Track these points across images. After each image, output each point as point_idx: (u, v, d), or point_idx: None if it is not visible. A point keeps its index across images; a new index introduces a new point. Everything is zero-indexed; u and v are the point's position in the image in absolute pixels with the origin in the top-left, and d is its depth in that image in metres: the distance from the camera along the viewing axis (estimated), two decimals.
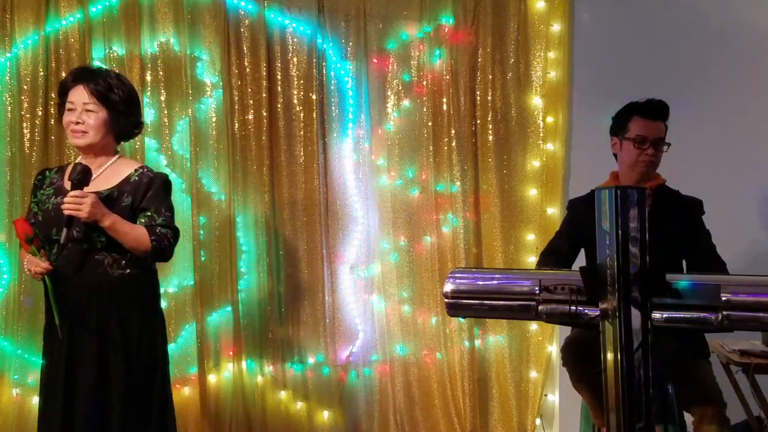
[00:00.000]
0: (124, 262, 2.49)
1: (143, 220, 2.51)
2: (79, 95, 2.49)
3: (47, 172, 2.65)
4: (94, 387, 2.43)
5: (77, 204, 2.35)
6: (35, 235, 2.43)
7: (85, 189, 2.41)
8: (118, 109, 2.52)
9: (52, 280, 2.41)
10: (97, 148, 2.53)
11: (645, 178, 2.83)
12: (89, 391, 2.43)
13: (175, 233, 2.57)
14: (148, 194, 2.52)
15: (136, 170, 2.56)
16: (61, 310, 2.43)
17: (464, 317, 3.35)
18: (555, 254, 2.96)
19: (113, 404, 2.45)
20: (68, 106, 2.50)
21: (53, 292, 2.40)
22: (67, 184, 2.48)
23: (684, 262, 2.80)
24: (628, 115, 2.86)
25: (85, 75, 2.51)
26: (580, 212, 2.96)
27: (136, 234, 2.46)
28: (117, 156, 2.61)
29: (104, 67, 2.57)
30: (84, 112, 2.48)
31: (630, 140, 2.82)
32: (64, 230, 2.37)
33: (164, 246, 2.50)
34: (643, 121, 2.82)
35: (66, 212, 2.36)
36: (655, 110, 2.83)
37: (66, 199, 2.37)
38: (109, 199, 2.46)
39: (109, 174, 2.55)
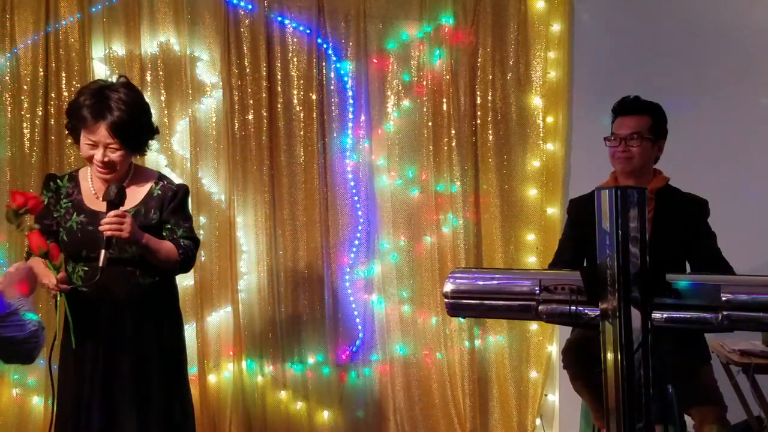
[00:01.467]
0: (151, 270, 2.49)
1: (165, 234, 2.52)
2: (101, 135, 2.38)
3: (59, 180, 2.55)
4: (130, 397, 2.44)
5: (119, 225, 2.30)
6: (48, 250, 2.35)
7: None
8: (138, 140, 2.49)
9: (67, 298, 2.37)
10: (120, 173, 2.50)
11: (631, 174, 2.82)
12: (126, 401, 2.44)
13: (196, 243, 2.58)
14: (169, 207, 2.53)
15: (156, 183, 2.55)
16: (96, 325, 2.43)
17: (464, 317, 3.36)
18: (560, 265, 2.93)
19: (144, 411, 2.46)
20: (88, 141, 2.40)
21: (69, 310, 2.39)
22: (90, 201, 2.47)
23: (687, 264, 2.79)
24: (612, 117, 2.91)
25: (102, 109, 2.38)
26: (581, 212, 2.95)
27: (166, 249, 2.46)
28: (132, 168, 2.57)
29: (109, 84, 2.47)
30: (108, 149, 2.40)
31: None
32: (103, 252, 2.30)
33: (189, 257, 2.54)
34: (618, 119, 2.87)
35: (107, 233, 2.30)
36: (626, 106, 2.86)
37: (105, 221, 2.31)
38: (136, 217, 2.44)
39: (130, 191, 2.51)
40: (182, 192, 2.58)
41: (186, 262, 2.53)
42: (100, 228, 2.31)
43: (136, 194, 2.52)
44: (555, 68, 3.96)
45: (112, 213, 2.32)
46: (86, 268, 2.45)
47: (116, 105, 2.38)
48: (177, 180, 3.58)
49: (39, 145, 3.50)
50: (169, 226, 2.53)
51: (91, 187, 2.51)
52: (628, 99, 2.88)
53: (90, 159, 2.43)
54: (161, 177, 2.61)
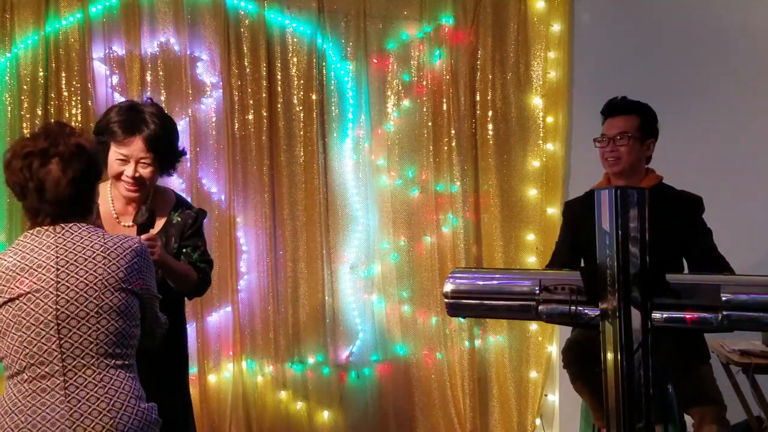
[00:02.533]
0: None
1: (182, 258, 2.51)
2: (136, 149, 2.36)
3: None
4: None
5: (151, 249, 2.25)
6: None
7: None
8: (169, 157, 2.48)
9: None
10: (145, 194, 2.48)
11: (621, 174, 2.82)
12: None
13: (211, 266, 2.59)
14: (188, 233, 2.52)
15: (175, 209, 2.53)
16: None
17: (464, 317, 3.36)
18: (557, 267, 2.93)
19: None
20: (120, 156, 2.38)
21: None
22: (111, 226, 2.42)
23: (685, 262, 2.79)
24: (602, 120, 2.91)
25: (138, 123, 2.37)
26: (575, 215, 2.95)
27: (187, 273, 2.47)
28: (151, 190, 2.54)
29: (138, 103, 2.49)
30: (139, 164, 2.38)
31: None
32: None
33: (206, 281, 2.56)
34: (607, 120, 2.88)
35: None
36: (614, 107, 2.87)
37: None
38: None
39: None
40: (201, 218, 2.58)
41: (203, 286, 2.55)
42: None
43: (157, 217, 2.47)
44: (555, 68, 3.96)
45: (144, 237, 2.27)
46: None
47: (151, 119, 2.39)
48: (183, 181, 3.60)
49: None
50: (186, 250, 2.52)
51: (112, 209, 2.47)
52: (615, 100, 2.88)
53: (118, 176, 2.40)
54: (179, 201, 2.58)
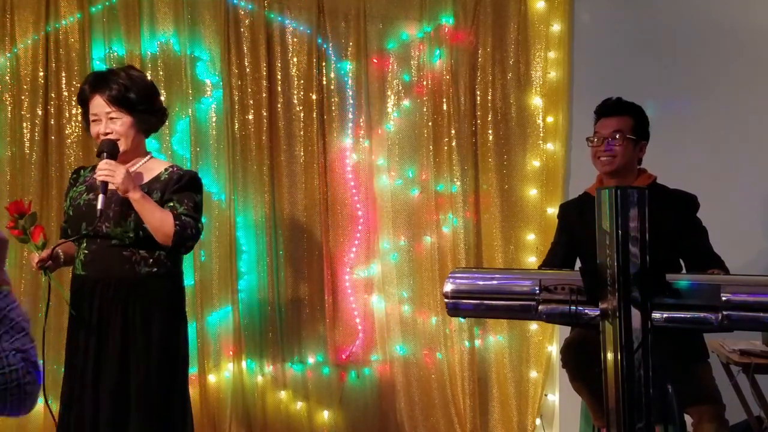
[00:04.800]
0: (151, 260, 2.48)
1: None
2: (99, 105, 2.48)
3: (82, 170, 2.67)
4: (116, 385, 2.43)
5: (111, 170, 2.37)
6: (27, 235, 2.42)
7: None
8: (139, 109, 2.51)
9: (49, 270, 2.43)
10: (129, 152, 2.52)
11: (615, 174, 2.81)
12: (112, 390, 2.43)
13: (197, 223, 2.51)
14: (174, 188, 2.51)
15: (166, 169, 2.56)
16: (88, 306, 2.47)
17: (464, 317, 3.36)
18: (549, 266, 2.94)
19: (132, 405, 2.45)
20: (92, 117, 2.50)
21: (53, 280, 2.45)
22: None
23: (682, 261, 2.79)
24: (595, 119, 2.92)
25: (99, 83, 2.49)
26: (569, 217, 2.95)
27: (162, 215, 2.42)
28: (148, 156, 2.61)
29: (113, 67, 2.60)
30: (109, 121, 2.47)
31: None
32: (101, 196, 2.38)
33: (187, 234, 2.45)
34: (601, 120, 2.88)
35: (100, 178, 2.38)
36: (609, 107, 2.87)
37: (99, 166, 2.39)
38: None
39: (140, 172, 2.53)
40: (188, 176, 2.56)
41: (182, 236, 2.43)
42: (95, 175, 2.42)
43: (145, 175, 2.53)
44: (555, 68, 3.96)
45: (105, 160, 2.40)
46: (86, 251, 2.48)
47: (114, 78, 2.50)
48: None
49: (39, 145, 3.50)
50: (171, 204, 2.49)
51: None
52: (610, 100, 2.89)
53: (98, 137, 2.49)
54: (174, 165, 2.62)
